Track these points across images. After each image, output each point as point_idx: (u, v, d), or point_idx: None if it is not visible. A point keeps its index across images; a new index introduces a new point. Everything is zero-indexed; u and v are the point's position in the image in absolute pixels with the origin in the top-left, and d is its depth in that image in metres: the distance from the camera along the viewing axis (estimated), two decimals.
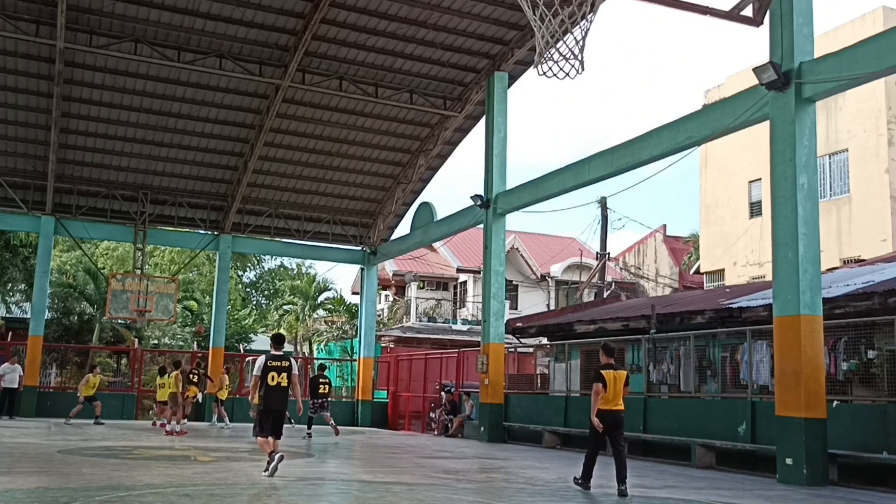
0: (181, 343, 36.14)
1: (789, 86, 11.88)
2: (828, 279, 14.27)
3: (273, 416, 10.21)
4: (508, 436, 19.39)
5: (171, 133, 22.67)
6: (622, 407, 9.78)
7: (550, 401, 19.19)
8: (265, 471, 9.88)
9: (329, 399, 19.37)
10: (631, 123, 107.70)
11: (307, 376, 31.16)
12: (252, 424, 11.00)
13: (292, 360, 10.34)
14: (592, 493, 9.71)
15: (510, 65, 20.45)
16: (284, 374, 10.18)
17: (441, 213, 23.80)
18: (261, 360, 10.23)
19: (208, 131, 22.84)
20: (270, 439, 10.19)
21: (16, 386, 21.35)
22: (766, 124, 12.54)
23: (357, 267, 29.48)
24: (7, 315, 33.01)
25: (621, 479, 9.39)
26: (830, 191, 25.44)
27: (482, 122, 21.68)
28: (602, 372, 9.66)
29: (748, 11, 13.12)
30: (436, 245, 35.39)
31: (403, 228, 26.57)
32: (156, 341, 36.00)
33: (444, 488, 9.56)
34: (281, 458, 9.89)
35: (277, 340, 10.62)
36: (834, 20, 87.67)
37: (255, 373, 10.21)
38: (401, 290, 40.12)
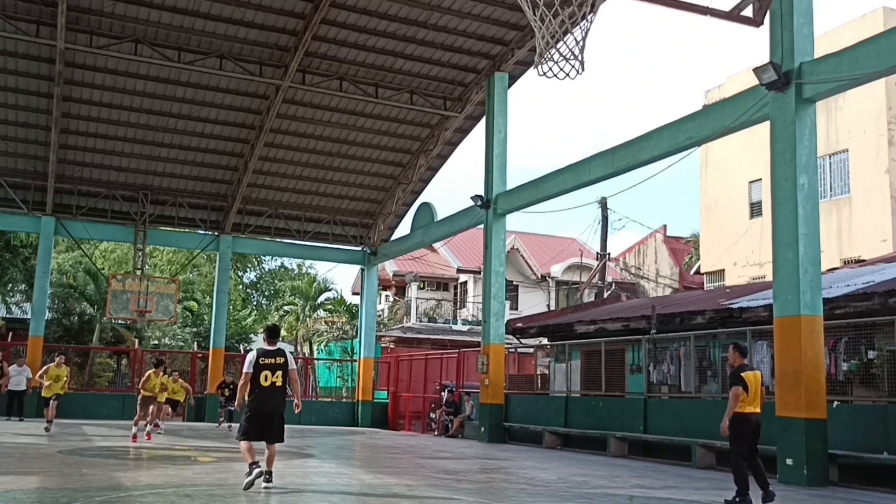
0: (181, 343, 36.15)
1: (789, 86, 11.88)
2: (828, 279, 14.27)
3: (264, 419, 8.90)
4: (508, 436, 19.39)
5: (171, 133, 22.67)
6: (760, 410, 9.04)
7: (551, 401, 19.20)
8: (246, 480, 8.59)
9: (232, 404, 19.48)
10: (631, 123, 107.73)
11: (307, 377, 31.32)
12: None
13: (289, 355, 9.11)
14: (595, 493, 9.69)
15: (510, 65, 20.45)
16: (280, 373, 8.91)
17: (441, 214, 23.82)
18: (251, 355, 9.02)
19: (208, 132, 22.85)
20: (256, 446, 8.96)
21: (23, 388, 21.26)
22: (767, 124, 12.54)
23: (357, 267, 29.48)
24: (7, 315, 32.99)
25: (764, 485, 8.78)
26: (830, 191, 25.43)
27: (482, 122, 21.69)
28: (742, 374, 8.95)
29: (748, 11, 13.11)
30: (436, 245, 35.38)
31: (404, 229, 26.60)
32: (156, 342, 36.00)
33: (445, 489, 9.55)
34: (260, 474, 8.57)
35: (271, 333, 9.35)
36: (834, 20, 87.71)
37: (244, 370, 8.94)
38: (401, 290, 40.13)
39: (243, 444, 8.90)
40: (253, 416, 8.91)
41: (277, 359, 8.97)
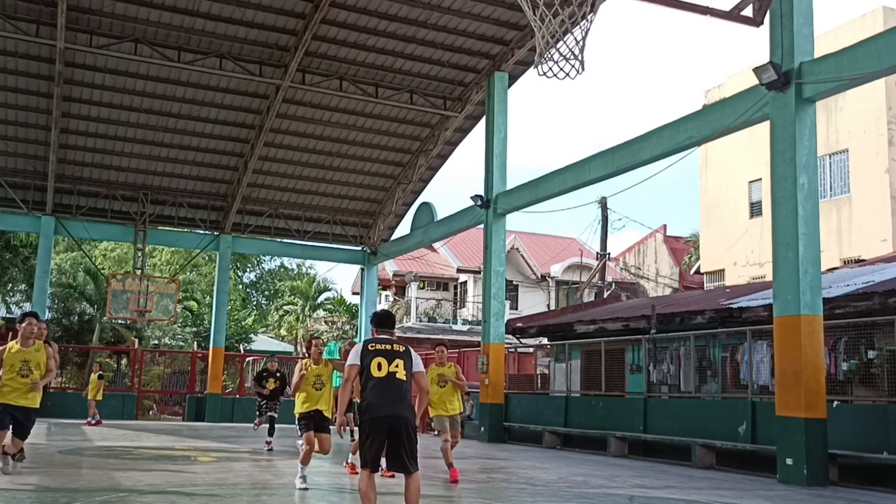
0: (181, 343, 36.16)
1: (789, 86, 11.88)
2: (828, 279, 14.27)
3: (389, 428, 5.93)
4: (508, 436, 19.39)
5: (171, 133, 22.67)
6: None
7: (550, 401, 19.20)
8: None
9: (276, 407, 14.96)
10: (631, 123, 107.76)
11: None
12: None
13: (412, 350, 6.40)
14: (595, 493, 9.69)
15: (510, 65, 20.45)
16: (400, 363, 6.14)
17: (441, 214, 23.82)
18: (358, 346, 6.41)
19: (208, 131, 22.85)
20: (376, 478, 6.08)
21: None
22: (767, 124, 12.55)
23: (357, 267, 29.49)
24: (7, 315, 33.00)
25: None
26: (830, 191, 25.43)
27: (482, 122, 21.69)
28: None
29: (748, 11, 13.11)
30: (436, 245, 35.40)
31: (404, 228, 26.61)
32: (156, 341, 36.01)
33: (445, 489, 9.55)
34: None
35: (381, 321, 6.53)
36: (834, 20, 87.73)
37: (349, 362, 6.32)
38: (401, 290, 40.13)
39: (362, 481, 5.95)
40: (372, 426, 5.96)
41: (396, 346, 6.27)
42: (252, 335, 41.70)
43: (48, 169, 22.48)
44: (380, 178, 25.59)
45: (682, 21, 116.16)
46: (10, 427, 8.59)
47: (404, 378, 6.07)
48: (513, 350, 22.30)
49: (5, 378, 8.52)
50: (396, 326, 35.31)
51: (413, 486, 5.88)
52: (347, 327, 37.25)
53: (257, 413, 15.19)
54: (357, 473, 8.07)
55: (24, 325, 8.76)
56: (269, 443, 14.41)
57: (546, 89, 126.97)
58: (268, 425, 14.70)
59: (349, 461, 10.81)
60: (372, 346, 6.20)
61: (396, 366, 6.09)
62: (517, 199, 19.27)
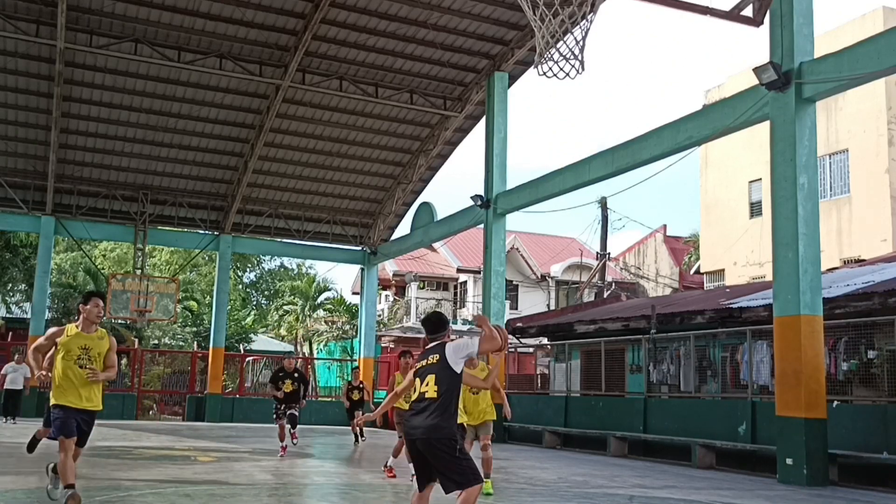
0: (181, 343, 36.15)
1: (789, 86, 11.88)
2: (828, 279, 14.28)
3: (417, 450, 5.58)
4: (508, 436, 19.38)
5: (171, 133, 22.66)
6: None
7: (550, 401, 19.21)
8: None
9: (295, 406, 13.50)
10: (631, 123, 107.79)
11: (307, 377, 31.07)
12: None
13: (452, 349, 5.68)
14: (595, 493, 9.69)
15: (510, 65, 20.45)
16: (431, 378, 5.62)
17: (441, 213, 23.81)
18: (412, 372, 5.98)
19: (208, 131, 22.84)
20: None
21: (20, 387, 20.76)
22: (767, 124, 12.55)
23: (357, 267, 29.49)
24: (7, 315, 32.99)
25: None
26: (830, 191, 25.44)
27: (482, 122, 21.69)
28: None
29: (748, 11, 13.12)
30: (436, 245, 35.40)
31: (404, 228, 26.60)
32: (156, 341, 36.00)
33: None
34: None
35: (431, 325, 6.03)
36: (834, 20, 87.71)
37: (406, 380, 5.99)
38: (401, 290, 40.15)
39: (412, 500, 5.84)
40: (408, 447, 5.96)
41: (431, 358, 5.73)
42: (252, 335, 41.68)
43: (48, 169, 22.47)
44: (380, 178, 25.59)
45: (682, 21, 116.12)
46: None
47: (434, 396, 5.55)
48: (513, 350, 22.30)
49: (60, 367, 6.99)
50: (396, 326, 34.94)
51: (464, 500, 5.36)
52: (347, 327, 37.21)
53: (274, 416, 13.45)
54: (393, 477, 10.15)
55: (88, 306, 7.18)
56: (289, 444, 13.25)
57: (546, 89, 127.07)
58: (289, 425, 13.24)
59: (388, 465, 10.64)
60: (418, 366, 5.82)
61: (427, 384, 5.62)
62: (517, 199, 19.27)
